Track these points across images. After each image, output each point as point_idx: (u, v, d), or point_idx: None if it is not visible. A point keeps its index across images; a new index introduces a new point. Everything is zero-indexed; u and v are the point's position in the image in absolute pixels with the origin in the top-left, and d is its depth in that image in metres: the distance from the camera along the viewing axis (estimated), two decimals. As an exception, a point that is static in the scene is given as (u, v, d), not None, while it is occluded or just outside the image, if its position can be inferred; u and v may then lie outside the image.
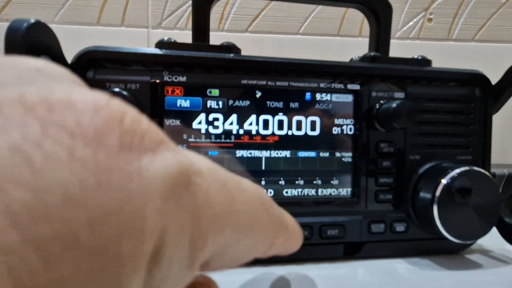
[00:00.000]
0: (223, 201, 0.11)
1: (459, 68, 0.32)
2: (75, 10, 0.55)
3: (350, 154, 0.30)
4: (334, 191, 0.30)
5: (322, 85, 0.30)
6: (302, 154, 0.30)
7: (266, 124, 0.29)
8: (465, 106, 0.32)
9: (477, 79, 0.32)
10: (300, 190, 0.30)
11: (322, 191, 0.30)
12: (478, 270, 0.29)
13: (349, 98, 0.30)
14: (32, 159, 0.07)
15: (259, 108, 0.29)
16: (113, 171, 0.08)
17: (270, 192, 0.29)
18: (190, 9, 0.58)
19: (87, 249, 0.07)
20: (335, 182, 0.30)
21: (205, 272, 0.16)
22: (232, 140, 0.28)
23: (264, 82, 0.29)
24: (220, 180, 0.11)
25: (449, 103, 0.32)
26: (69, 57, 0.27)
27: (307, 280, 0.27)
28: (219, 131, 0.28)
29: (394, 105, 0.29)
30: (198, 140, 0.28)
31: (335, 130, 0.30)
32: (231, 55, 0.28)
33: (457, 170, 0.28)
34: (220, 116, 0.28)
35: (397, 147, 0.31)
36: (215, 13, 0.57)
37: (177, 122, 0.27)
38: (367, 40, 0.35)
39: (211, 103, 0.28)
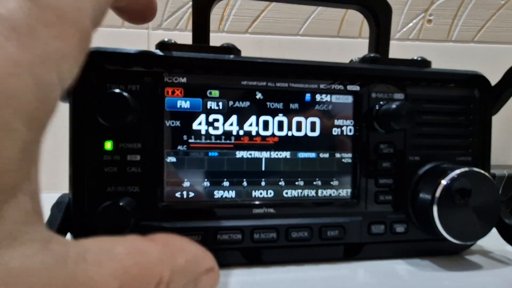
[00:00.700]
0: None
1: (459, 69, 0.32)
2: (75, 12, 0.55)
3: (350, 155, 0.30)
4: (334, 192, 0.30)
5: (322, 86, 0.30)
6: (302, 155, 0.30)
7: (266, 125, 0.29)
8: (464, 107, 0.32)
9: (477, 80, 0.32)
10: (300, 191, 0.30)
11: (322, 192, 0.30)
12: (478, 271, 0.29)
13: (349, 99, 0.30)
14: None
15: (259, 109, 0.29)
16: None
17: (270, 193, 0.29)
18: (190, 10, 0.58)
19: None
20: (335, 183, 0.30)
21: None
22: (232, 141, 0.28)
23: (264, 83, 0.29)
24: None
25: (449, 104, 0.32)
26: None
27: (307, 281, 0.27)
28: (219, 132, 0.28)
29: (393, 106, 0.29)
30: (198, 141, 0.28)
31: (335, 131, 0.30)
32: (231, 56, 0.28)
33: (457, 171, 0.28)
34: (220, 117, 0.28)
35: (397, 148, 0.31)
36: (215, 14, 0.57)
37: (177, 123, 0.27)
38: (366, 41, 0.35)
39: (211, 104, 0.28)
